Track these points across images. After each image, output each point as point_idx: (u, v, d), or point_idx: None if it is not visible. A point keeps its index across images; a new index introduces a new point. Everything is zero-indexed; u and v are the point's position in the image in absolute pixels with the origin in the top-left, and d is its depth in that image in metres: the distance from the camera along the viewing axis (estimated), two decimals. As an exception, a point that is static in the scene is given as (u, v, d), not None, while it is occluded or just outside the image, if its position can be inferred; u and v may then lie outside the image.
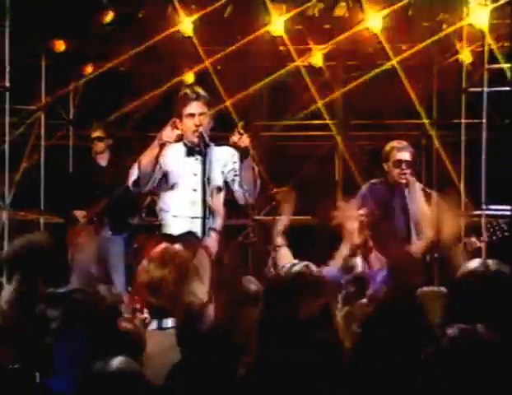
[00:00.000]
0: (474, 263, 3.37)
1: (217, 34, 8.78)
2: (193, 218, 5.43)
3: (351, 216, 4.25)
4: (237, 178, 5.54)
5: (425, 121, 8.67)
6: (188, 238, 5.35)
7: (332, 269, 3.96)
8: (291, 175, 9.10)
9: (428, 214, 3.90)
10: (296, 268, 3.16)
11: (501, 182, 7.64)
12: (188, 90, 5.69)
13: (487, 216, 7.46)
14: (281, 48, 8.77)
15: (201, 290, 3.66)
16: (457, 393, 2.68)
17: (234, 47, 8.58)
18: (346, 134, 9.08)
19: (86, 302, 3.07)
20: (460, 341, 2.86)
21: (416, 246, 6.29)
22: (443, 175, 8.44)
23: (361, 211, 4.21)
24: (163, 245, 3.94)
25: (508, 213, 7.33)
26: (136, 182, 5.46)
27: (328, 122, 9.03)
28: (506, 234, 6.80)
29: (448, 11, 8.39)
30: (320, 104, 8.79)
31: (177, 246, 3.94)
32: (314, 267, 3.23)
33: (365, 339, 3.01)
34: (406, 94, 8.47)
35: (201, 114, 5.52)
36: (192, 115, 5.51)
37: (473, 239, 6.77)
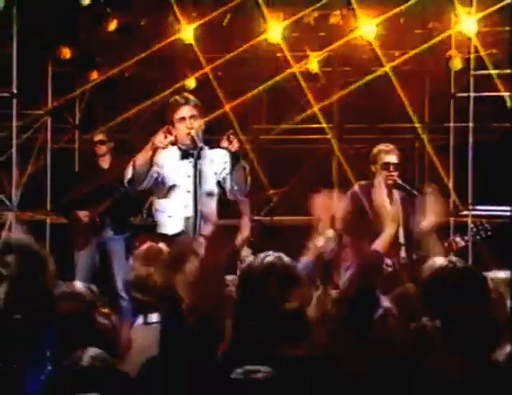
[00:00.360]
0: (440, 261, 3.59)
1: (217, 41, 9.05)
2: (186, 218, 5.67)
3: (326, 208, 4.33)
4: (228, 177, 5.78)
5: (417, 125, 8.94)
6: (182, 237, 5.62)
7: (305, 261, 4.02)
8: (289, 177, 9.41)
9: (389, 210, 4.03)
10: (269, 259, 3.37)
11: (489, 184, 7.95)
12: (177, 97, 5.93)
13: (473, 216, 7.75)
14: (279, 54, 9.03)
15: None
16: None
17: (233, 53, 8.88)
18: (341, 137, 9.32)
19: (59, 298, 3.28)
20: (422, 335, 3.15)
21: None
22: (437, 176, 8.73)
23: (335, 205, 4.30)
24: (147, 244, 4.16)
25: (493, 213, 7.64)
26: (131, 180, 5.70)
27: (324, 125, 9.30)
28: (489, 233, 7.02)
29: (438, 19, 8.66)
30: (317, 108, 9.05)
31: (161, 244, 4.17)
32: (286, 259, 3.41)
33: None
34: (399, 98, 8.76)
35: (191, 117, 5.73)
36: (183, 119, 5.72)
37: (458, 239, 6.98)
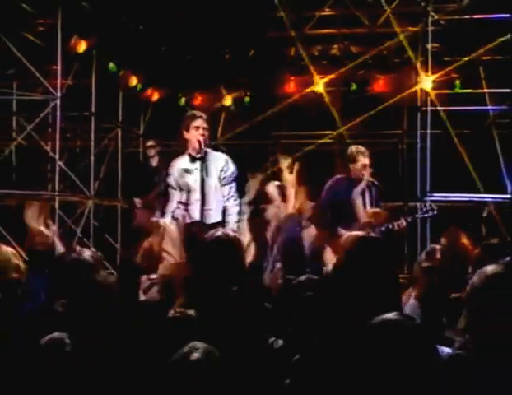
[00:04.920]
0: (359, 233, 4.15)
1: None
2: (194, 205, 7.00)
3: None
4: (232, 198, 7.08)
5: (398, 131, 11.33)
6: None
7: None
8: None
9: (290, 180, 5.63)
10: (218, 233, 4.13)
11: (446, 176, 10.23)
12: (195, 111, 7.47)
13: (430, 201, 10.01)
14: (292, 78, 11.62)
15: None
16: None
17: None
18: (342, 142, 11.45)
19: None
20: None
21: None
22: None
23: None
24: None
25: (442, 199, 9.95)
26: None
27: (328, 132, 11.73)
28: (435, 212, 8.97)
29: (413, 50, 10.95)
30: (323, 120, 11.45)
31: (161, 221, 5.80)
32: (231, 233, 4.29)
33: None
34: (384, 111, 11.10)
35: (203, 128, 7.05)
36: (197, 127, 7.03)
37: (401, 220, 8.51)
